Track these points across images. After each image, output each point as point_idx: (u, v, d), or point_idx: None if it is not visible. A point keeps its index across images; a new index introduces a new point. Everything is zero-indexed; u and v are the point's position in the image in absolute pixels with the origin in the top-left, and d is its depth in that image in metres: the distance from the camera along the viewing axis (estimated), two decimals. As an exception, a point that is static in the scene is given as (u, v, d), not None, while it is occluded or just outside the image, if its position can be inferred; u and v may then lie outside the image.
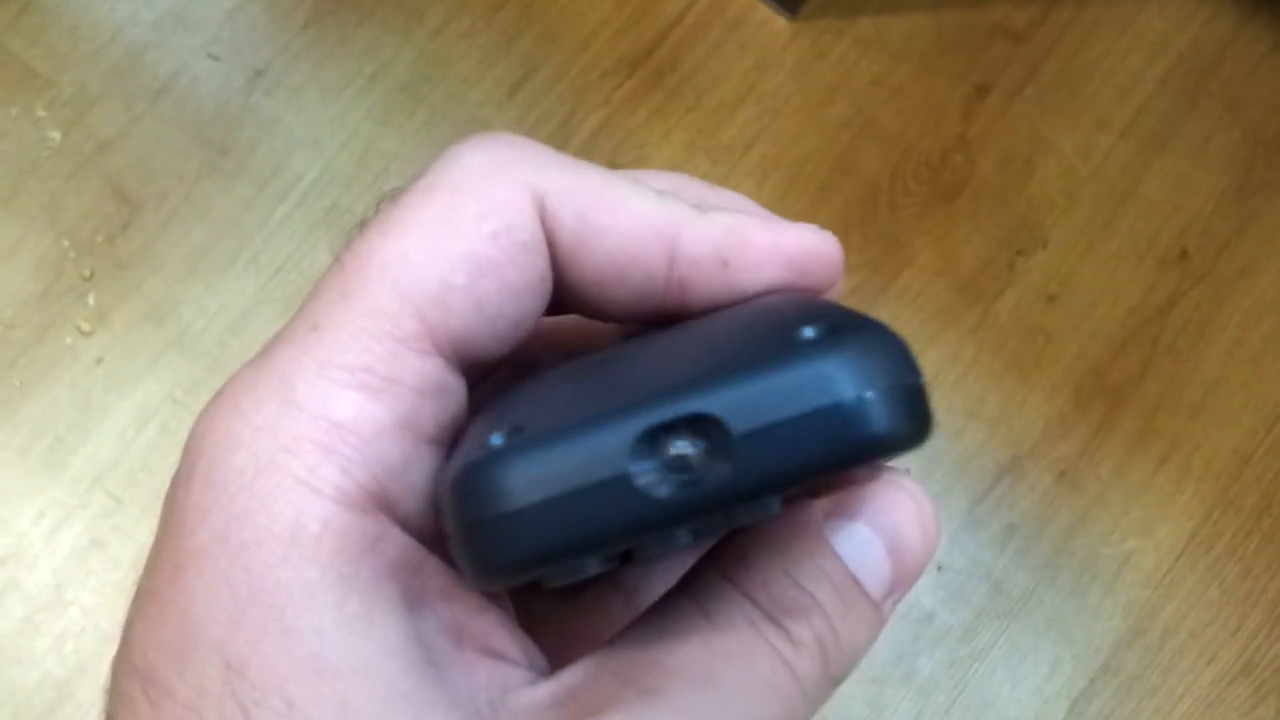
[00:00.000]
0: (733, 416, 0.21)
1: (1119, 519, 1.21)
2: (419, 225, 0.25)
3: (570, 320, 0.32)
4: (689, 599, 0.25)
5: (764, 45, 1.33)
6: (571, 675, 0.24)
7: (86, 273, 1.22)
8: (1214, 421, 1.24)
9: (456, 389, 0.26)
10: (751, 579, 0.25)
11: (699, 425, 0.21)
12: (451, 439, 0.26)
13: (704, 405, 0.21)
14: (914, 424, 0.21)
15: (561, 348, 0.32)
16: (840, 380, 0.21)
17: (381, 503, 0.24)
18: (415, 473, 0.25)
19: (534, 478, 0.21)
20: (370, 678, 0.23)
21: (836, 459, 0.21)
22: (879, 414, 0.21)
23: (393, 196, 0.26)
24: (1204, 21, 1.36)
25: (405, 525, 0.25)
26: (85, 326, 1.21)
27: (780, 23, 1.33)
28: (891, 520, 0.26)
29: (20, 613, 1.14)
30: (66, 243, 1.23)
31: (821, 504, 0.26)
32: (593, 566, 0.23)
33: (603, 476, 0.21)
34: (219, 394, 0.25)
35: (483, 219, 0.25)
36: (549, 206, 0.26)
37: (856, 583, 0.25)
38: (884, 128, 1.31)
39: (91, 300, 1.21)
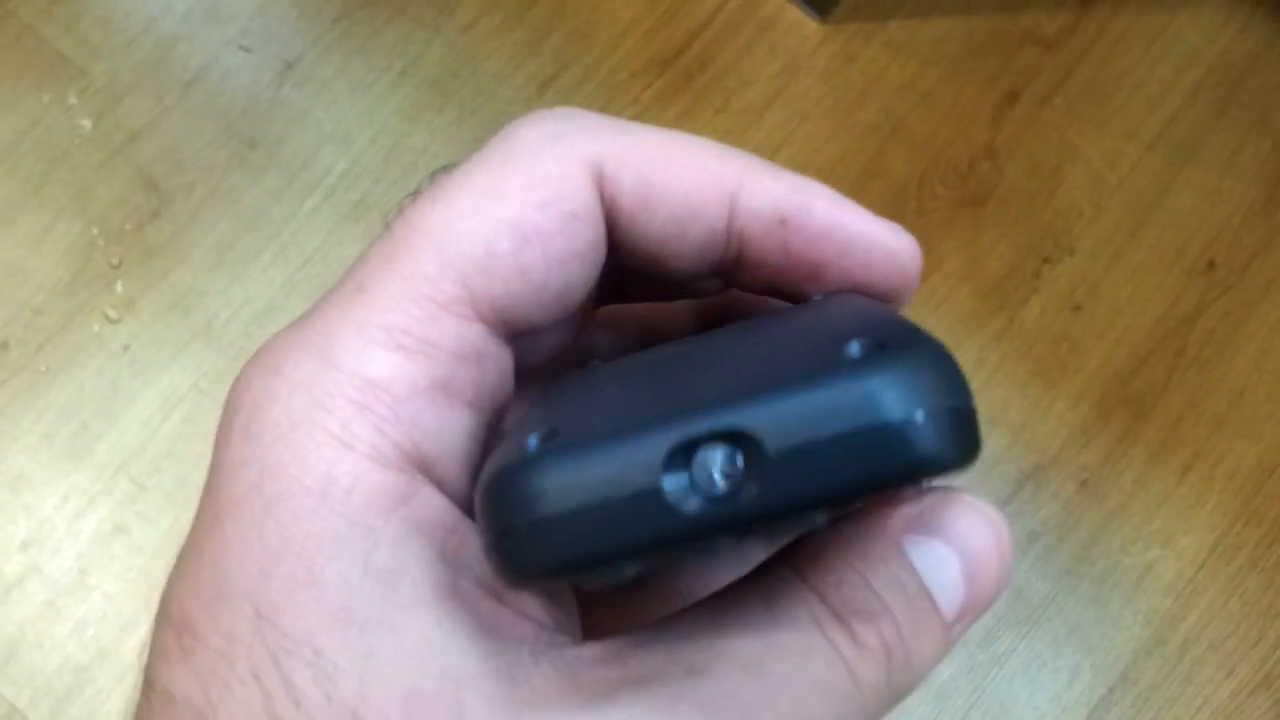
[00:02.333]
0: (769, 433, 0.20)
1: (1141, 529, 1.21)
2: (467, 194, 0.26)
3: (637, 308, 0.32)
4: (753, 589, 0.25)
5: (794, 48, 1.33)
6: (619, 641, 0.24)
7: (115, 261, 1.22)
8: (1238, 433, 1.24)
9: (498, 356, 0.26)
10: (823, 576, 0.24)
11: (735, 440, 0.21)
12: (492, 407, 0.26)
13: (740, 420, 0.20)
14: (957, 448, 0.21)
15: (631, 334, 0.32)
16: (880, 401, 0.20)
17: (417, 462, 0.25)
18: (451, 435, 0.25)
19: (565, 485, 0.21)
20: (397, 629, 0.23)
21: (873, 481, 0.20)
22: (922, 438, 0.20)
23: (448, 169, 0.27)
24: (1235, 33, 1.35)
25: (441, 486, 0.25)
26: (113, 314, 1.21)
27: (811, 25, 1.33)
28: (971, 544, 0.25)
29: (42, 597, 1.14)
30: (95, 230, 1.23)
31: (900, 514, 0.25)
32: (629, 572, 0.22)
33: (634, 489, 0.21)
34: (260, 351, 0.26)
35: (531, 189, 0.25)
36: (607, 171, 0.26)
37: (931, 598, 0.25)
38: (913, 133, 1.30)
39: (120, 288, 1.22)
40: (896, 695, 0.24)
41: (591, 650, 0.24)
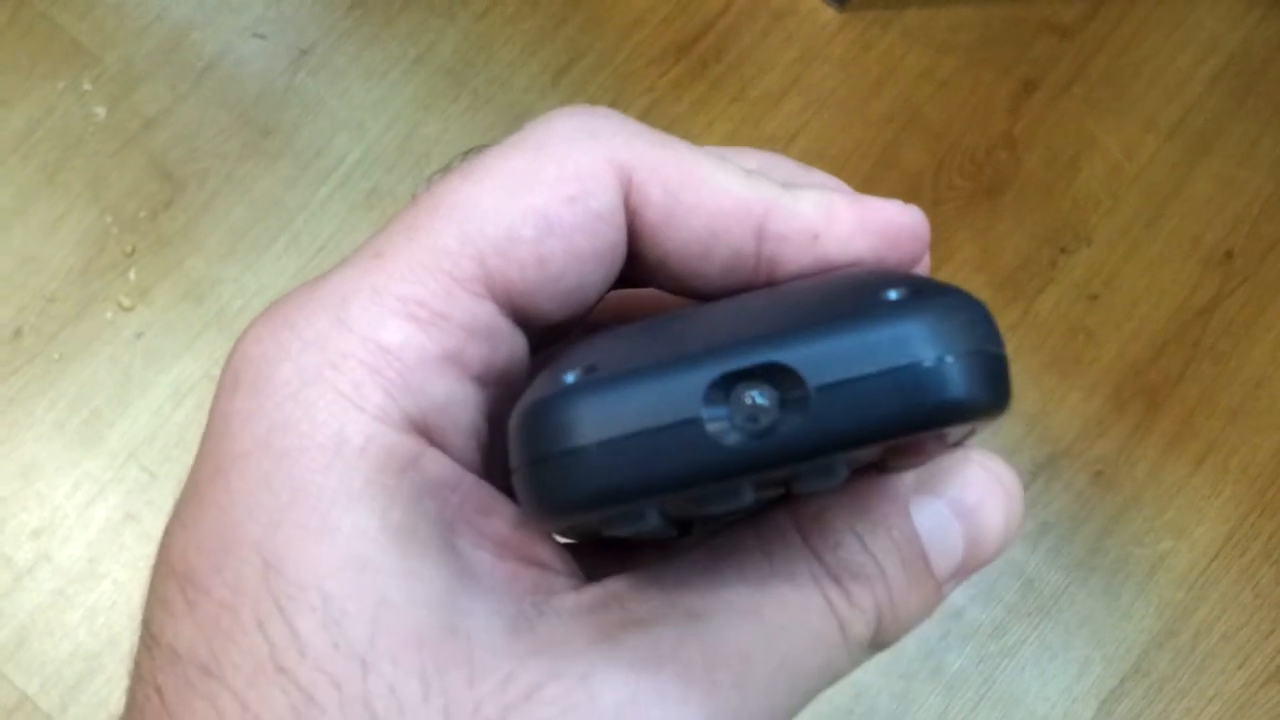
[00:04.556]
0: (810, 369, 0.20)
1: (1154, 520, 1.21)
2: (497, 175, 0.26)
3: (644, 293, 0.32)
4: (755, 538, 0.25)
5: (810, 36, 1.32)
6: (618, 583, 0.24)
7: (128, 249, 1.23)
8: (1253, 425, 1.23)
9: (510, 336, 0.26)
10: (823, 537, 0.25)
11: (775, 376, 0.21)
12: (501, 384, 0.27)
13: (781, 355, 0.21)
14: (992, 392, 0.21)
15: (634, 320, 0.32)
16: (921, 341, 0.20)
17: (422, 430, 0.25)
18: (458, 407, 0.25)
19: (604, 416, 0.21)
20: (411, 579, 0.23)
21: (911, 420, 0.21)
22: (958, 378, 0.20)
23: (481, 149, 0.27)
24: (1255, 22, 1.35)
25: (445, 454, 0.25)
26: (126, 302, 1.21)
27: (828, 13, 1.33)
28: (976, 504, 0.26)
29: (52, 585, 1.14)
30: (109, 218, 1.24)
31: (908, 474, 0.26)
32: (652, 519, 0.23)
33: (673, 419, 0.21)
34: (270, 308, 0.26)
35: (561, 181, 0.26)
36: (636, 180, 0.26)
37: (926, 560, 0.25)
38: (929, 122, 1.30)
39: (133, 276, 1.22)
40: (880, 647, 0.26)
41: (592, 594, 0.24)
